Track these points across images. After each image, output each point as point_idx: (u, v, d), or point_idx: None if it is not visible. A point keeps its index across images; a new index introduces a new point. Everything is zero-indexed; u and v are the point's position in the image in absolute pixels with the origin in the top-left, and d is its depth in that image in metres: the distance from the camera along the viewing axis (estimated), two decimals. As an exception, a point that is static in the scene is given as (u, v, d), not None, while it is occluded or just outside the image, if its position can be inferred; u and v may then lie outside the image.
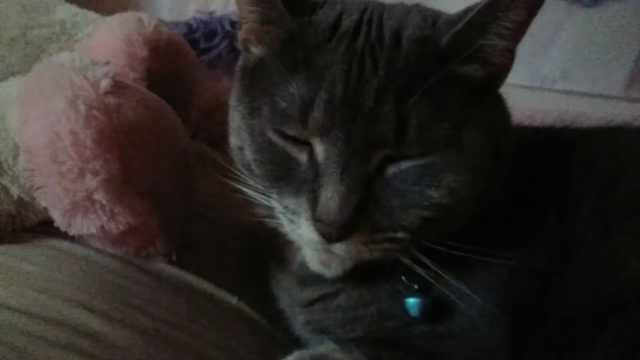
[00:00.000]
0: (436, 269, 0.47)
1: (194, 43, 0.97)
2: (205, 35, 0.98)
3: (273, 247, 0.61)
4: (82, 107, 0.48)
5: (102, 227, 0.52)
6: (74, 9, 0.85)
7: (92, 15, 0.82)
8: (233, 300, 0.61)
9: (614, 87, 1.12)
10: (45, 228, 0.57)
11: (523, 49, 1.05)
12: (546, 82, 1.16)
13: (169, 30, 0.72)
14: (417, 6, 0.53)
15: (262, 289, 0.62)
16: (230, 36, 0.98)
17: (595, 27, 1.10)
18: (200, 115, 0.91)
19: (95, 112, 0.49)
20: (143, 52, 0.67)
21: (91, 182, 0.49)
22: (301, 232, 0.47)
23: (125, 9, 0.76)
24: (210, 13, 1.01)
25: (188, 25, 0.98)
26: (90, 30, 0.76)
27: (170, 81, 0.71)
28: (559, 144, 0.56)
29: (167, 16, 1.25)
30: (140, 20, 0.70)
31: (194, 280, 0.60)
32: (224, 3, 1.14)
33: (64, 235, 0.56)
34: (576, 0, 1.09)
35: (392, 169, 0.45)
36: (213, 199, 0.68)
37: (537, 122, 0.67)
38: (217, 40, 0.98)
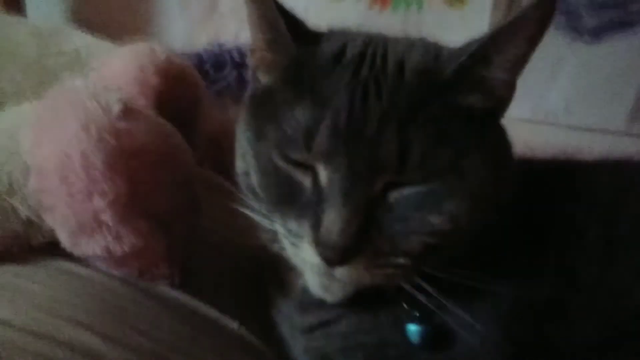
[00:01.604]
0: (438, 297, 0.47)
1: (203, 73, 1.00)
2: (214, 66, 1.01)
3: (275, 273, 0.61)
4: (94, 130, 0.50)
5: (107, 248, 0.53)
6: (89, 38, 0.88)
7: (106, 44, 0.85)
8: (234, 325, 0.61)
9: (616, 122, 1.13)
10: (51, 249, 0.58)
11: (526, 83, 1.07)
12: (549, 117, 1.17)
13: (180, 60, 0.74)
14: (421, 39, 0.55)
15: (263, 315, 0.62)
16: (239, 67, 1.00)
17: (597, 62, 1.12)
18: (207, 143, 0.93)
19: (106, 136, 0.50)
20: (154, 80, 0.69)
21: (99, 203, 0.50)
22: (303, 255, 0.48)
23: (140, 39, 0.79)
24: (220, 45, 1.04)
25: (198, 56, 1.01)
26: (104, 59, 0.79)
27: (179, 109, 0.72)
28: (562, 174, 0.57)
29: (179, 46, 1.28)
30: (152, 50, 0.72)
31: (196, 304, 0.60)
32: (235, 33, 1.17)
33: (69, 257, 0.57)
34: (577, 37, 1.11)
35: (394, 195, 0.46)
36: (217, 224, 0.69)
37: (543, 155, 0.68)
38: (226, 71, 1.01)
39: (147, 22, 1.39)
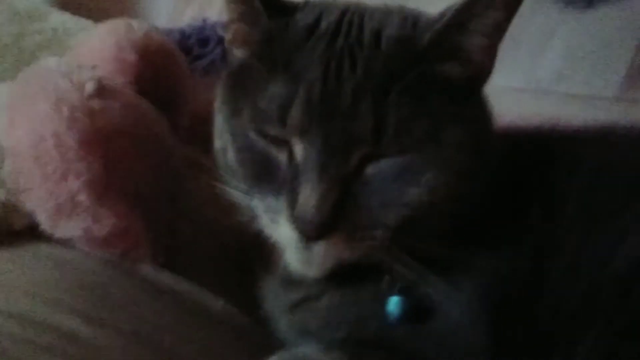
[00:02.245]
0: (418, 269, 0.46)
1: (187, 50, 0.98)
2: (198, 42, 0.99)
3: (259, 250, 0.61)
4: (65, 110, 0.49)
5: (86, 229, 0.53)
6: (67, 16, 0.86)
7: (84, 22, 0.84)
8: (218, 304, 0.61)
9: (609, 89, 1.11)
10: (31, 232, 0.58)
11: (517, 52, 1.05)
12: (541, 85, 1.15)
13: (159, 36, 0.73)
14: (400, 7, 0.53)
15: (249, 293, 0.62)
16: (224, 42, 0.98)
17: (589, 29, 1.10)
18: (194, 121, 0.91)
19: (79, 115, 0.49)
20: (132, 57, 0.68)
21: (74, 183, 0.49)
22: (282, 231, 0.47)
23: (123, 16, 0.77)
24: (205, 19, 1.02)
25: (181, 31, 0.99)
26: (82, 37, 0.77)
27: (160, 86, 0.71)
28: (545, 144, 0.56)
29: (164, 22, 1.26)
30: (130, 26, 0.71)
31: (180, 283, 0.60)
32: (221, 8, 1.15)
33: (50, 239, 0.57)
34: (569, 4, 1.09)
35: (371, 168, 0.46)
36: (200, 202, 0.69)
37: (529, 125, 0.66)
38: (210, 46, 0.99)
39: (132, 1, 1.37)
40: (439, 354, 0.49)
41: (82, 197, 0.50)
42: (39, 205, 0.53)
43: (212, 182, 0.54)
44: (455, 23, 0.46)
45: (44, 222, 0.54)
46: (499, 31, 0.47)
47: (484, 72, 0.50)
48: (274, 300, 0.59)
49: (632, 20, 1.07)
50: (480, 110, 0.51)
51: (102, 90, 0.53)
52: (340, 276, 0.51)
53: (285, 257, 0.52)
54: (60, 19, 0.87)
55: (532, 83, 1.14)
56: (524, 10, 0.48)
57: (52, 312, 0.50)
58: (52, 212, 0.52)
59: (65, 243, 0.57)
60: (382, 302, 0.50)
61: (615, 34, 1.08)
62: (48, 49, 0.79)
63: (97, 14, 0.88)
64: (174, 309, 0.57)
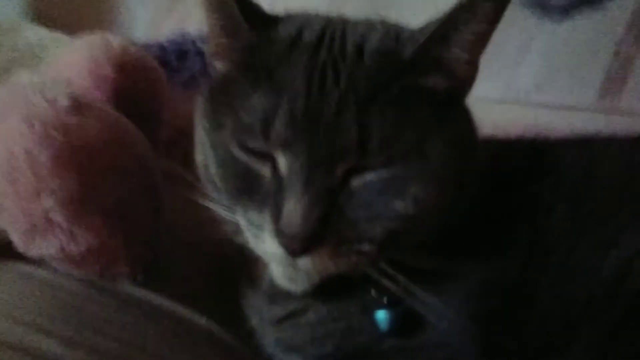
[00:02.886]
0: (405, 282, 0.46)
1: (166, 63, 0.97)
2: (177, 56, 0.98)
3: (243, 265, 0.59)
4: (37, 126, 0.47)
5: (61, 248, 0.51)
6: (42, 31, 0.85)
7: (60, 36, 0.82)
8: (202, 320, 0.59)
9: (586, 99, 1.13)
10: (6, 251, 0.56)
11: (495, 63, 1.07)
12: (519, 96, 1.16)
13: (136, 50, 0.72)
14: (382, 21, 0.53)
15: (233, 309, 0.61)
16: (203, 56, 0.97)
17: (566, 40, 1.12)
18: (174, 135, 0.90)
19: (52, 131, 0.48)
20: (109, 72, 0.66)
21: (48, 201, 0.48)
22: (266, 247, 0.46)
23: (100, 29, 0.76)
24: (184, 34, 1.01)
25: (160, 45, 0.98)
26: (58, 52, 0.76)
27: (138, 100, 0.70)
28: (529, 154, 0.56)
29: (143, 35, 1.25)
30: (106, 40, 0.69)
31: (161, 301, 0.59)
32: (200, 22, 1.14)
33: (25, 258, 0.54)
34: (545, 15, 1.10)
35: (356, 181, 0.45)
36: (183, 218, 0.67)
37: (510, 135, 0.67)
38: (189, 60, 0.98)
39: (109, 14, 1.35)
40: (428, 368, 0.48)
41: (57, 216, 0.48)
42: (12, 224, 0.51)
43: (194, 196, 0.53)
44: (437, 36, 0.46)
45: (17, 241, 0.52)
46: (481, 43, 0.47)
47: (466, 83, 0.50)
48: (259, 316, 0.58)
49: (607, 30, 1.09)
50: (463, 120, 0.51)
51: (76, 106, 0.51)
52: (326, 290, 0.50)
53: (269, 272, 0.51)
54: (36, 33, 0.86)
55: (510, 93, 1.16)
56: (501, 21, 0.48)
57: (27, 333, 0.48)
58: (26, 231, 0.50)
59: (41, 262, 0.55)
60: (370, 316, 0.49)
61: (591, 44, 1.10)
62: (23, 65, 0.77)
63: (73, 28, 0.86)
64: (155, 327, 0.56)
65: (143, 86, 0.70)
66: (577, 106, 1.13)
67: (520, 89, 1.16)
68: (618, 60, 1.09)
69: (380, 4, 1.16)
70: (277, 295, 0.54)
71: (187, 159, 0.88)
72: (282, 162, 0.45)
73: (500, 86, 1.16)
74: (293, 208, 0.43)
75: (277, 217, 0.44)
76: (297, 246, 0.43)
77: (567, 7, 1.12)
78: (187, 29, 1.09)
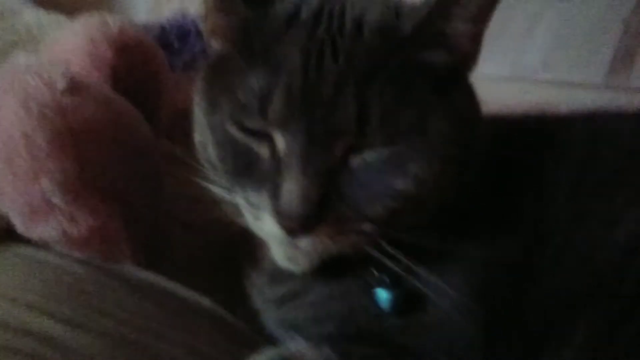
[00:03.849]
0: (406, 261, 0.45)
1: (168, 45, 0.96)
2: (178, 37, 0.97)
3: (245, 246, 0.59)
4: (34, 108, 0.47)
5: (62, 230, 0.51)
6: (41, 12, 0.84)
7: (58, 18, 0.81)
8: (204, 302, 0.59)
9: (595, 76, 1.11)
10: (9, 234, 0.56)
11: (503, 40, 1.04)
12: (528, 73, 1.14)
13: (135, 30, 0.71)
14: None
15: (236, 289, 0.61)
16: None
17: (575, 16, 1.09)
18: (176, 116, 0.90)
19: (49, 113, 0.47)
20: (107, 53, 0.66)
21: (47, 184, 0.48)
22: (265, 227, 0.46)
23: (100, 11, 0.75)
24: (184, 14, 1.00)
25: (161, 26, 0.97)
26: (56, 34, 0.75)
27: (137, 82, 0.69)
28: (534, 132, 0.55)
29: (144, 18, 1.24)
30: (104, 21, 0.68)
31: (164, 283, 0.59)
32: (201, 2, 1.13)
33: (28, 242, 0.55)
34: (553, -10, 1.08)
35: (356, 160, 0.44)
36: (185, 199, 0.67)
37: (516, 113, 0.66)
38: (191, 41, 0.97)
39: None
40: (429, 346, 0.48)
41: (56, 198, 0.48)
42: (12, 207, 0.51)
43: (194, 178, 0.52)
44: (438, 9, 0.44)
45: (19, 224, 0.52)
46: (484, 16, 0.46)
47: (469, 59, 0.48)
48: (261, 296, 0.58)
49: (616, 7, 1.06)
50: (466, 97, 0.50)
51: (74, 87, 0.51)
52: (327, 270, 0.50)
53: (270, 253, 0.51)
54: (34, 15, 0.85)
55: (518, 71, 1.14)
56: None
57: (31, 316, 0.48)
58: (26, 214, 0.50)
59: (44, 245, 0.56)
60: (371, 296, 0.49)
61: (599, 21, 1.08)
62: (22, 47, 0.76)
63: (73, 10, 0.85)
64: (158, 309, 0.56)
65: (142, 67, 0.70)
66: (585, 83, 1.11)
67: (528, 66, 1.14)
68: (627, 37, 1.07)
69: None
70: (278, 275, 0.54)
71: (188, 140, 0.88)
72: (280, 141, 0.44)
73: (509, 64, 1.14)
74: (292, 188, 0.42)
75: (276, 197, 0.43)
76: (296, 226, 0.43)
77: (575, -17, 1.09)
78: (188, 9, 1.07)
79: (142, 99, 0.66)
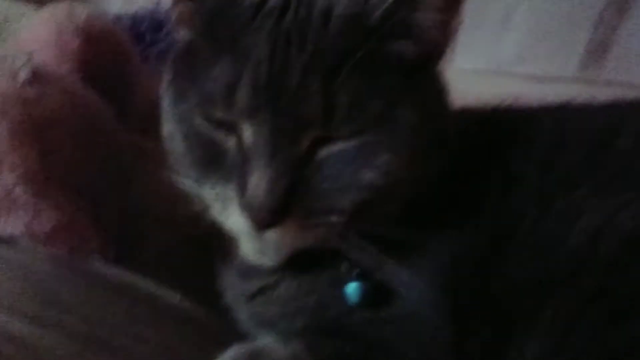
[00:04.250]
0: (374, 254, 0.45)
1: (140, 36, 0.94)
2: (151, 27, 0.95)
3: (216, 241, 0.59)
4: (-5, 99, 0.46)
5: (27, 225, 0.50)
6: (8, 3, 0.81)
7: (25, 8, 0.79)
8: (175, 298, 0.59)
9: (569, 69, 1.12)
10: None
11: (477, 34, 1.04)
12: (502, 66, 1.15)
13: (102, 20, 0.69)
14: None
15: (208, 285, 0.60)
16: (178, 27, 0.95)
17: (548, 9, 1.10)
18: (148, 108, 0.88)
19: (10, 104, 0.46)
20: (74, 43, 0.64)
21: (9, 177, 0.46)
22: (233, 220, 0.45)
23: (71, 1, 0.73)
24: (157, 3, 0.98)
25: (133, 17, 0.95)
26: (24, 24, 0.73)
27: (106, 72, 0.68)
28: (501, 123, 0.55)
29: (118, 8, 1.21)
30: (71, 11, 0.67)
31: (133, 279, 0.58)
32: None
33: (-7, 238, 0.54)
34: (528, -17, 1.09)
35: (323, 152, 0.44)
36: (153, 193, 0.66)
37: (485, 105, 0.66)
38: (164, 31, 0.95)
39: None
40: (399, 338, 0.48)
41: (19, 191, 0.47)
42: (-27, 202, 0.49)
43: (162, 171, 0.52)
44: None
45: (-18, 219, 0.51)
46: (453, 5, 0.45)
47: (438, 49, 0.48)
48: (233, 291, 0.58)
49: (589, 0, 1.08)
50: (435, 88, 0.50)
51: (37, 78, 0.50)
52: (297, 263, 0.49)
53: (239, 247, 0.51)
54: (2, 6, 0.82)
55: (493, 65, 1.15)
56: None
57: None
58: (-11, 209, 0.49)
59: (9, 241, 0.54)
60: (340, 289, 0.49)
61: (573, 14, 1.09)
62: (-13, 37, 0.74)
63: (43, 0, 0.83)
64: (128, 306, 0.55)
65: (111, 57, 0.68)
66: (560, 77, 1.13)
67: (503, 60, 1.14)
68: (600, 30, 1.08)
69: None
70: (249, 270, 0.54)
71: (159, 133, 0.87)
72: (247, 132, 0.44)
73: (483, 57, 1.15)
74: (258, 180, 0.42)
75: (242, 190, 0.43)
76: (263, 219, 0.43)
77: (549, -24, 1.10)
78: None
79: (112, 91, 0.65)
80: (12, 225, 0.51)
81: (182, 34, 0.51)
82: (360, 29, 0.44)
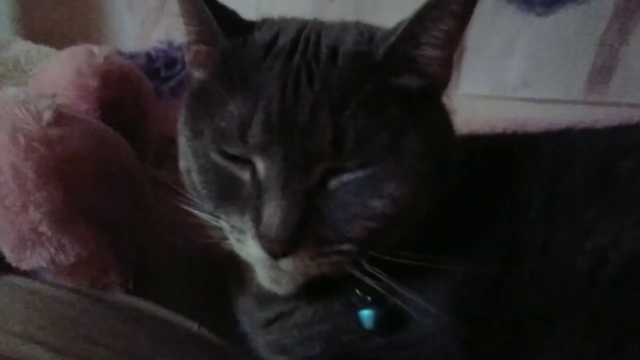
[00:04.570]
0: (387, 280, 0.46)
1: (154, 72, 0.98)
2: (165, 64, 0.99)
3: (232, 270, 0.60)
4: (22, 140, 0.48)
5: (51, 259, 0.52)
6: (29, 45, 0.85)
7: (46, 50, 0.83)
8: (194, 327, 0.60)
9: (573, 93, 1.14)
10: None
11: (482, 60, 1.06)
12: (507, 91, 1.17)
13: (120, 60, 0.72)
14: (357, 23, 0.54)
15: (225, 314, 0.61)
16: (190, 64, 0.98)
17: (551, 34, 1.12)
18: (164, 143, 0.91)
19: (36, 144, 0.48)
20: (94, 83, 0.67)
21: (35, 214, 0.48)
22: (249, 250, 0.47)
23: (90, 42, 0.76)
24: (170, 42, 1.02)
25: (148, 54, 0.99)
26: (44, 65, 0.77)
27: (124, 110, 0.71)
28: (507, 149, 0.57)
29: (132, 46, 1.26)
30: (90, 52, 0.70)
31: (153, 308, 0.60)
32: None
33: (17, 271, 0.55)
34: (529, 10, 1.11)
35: (333, 182, 0.46)
36: (172, 225, 0.68)
37: (492, 131, 0.67)
38: (177, 68, 0.99)
39: (97, 26, 1.36)
40: (414, 364, 0.49)
41: (44, 228, 0.49)
42: (1, 238, 0.52)
43: (180, 204, 0.54)
44: (407, 36, 0.46)
45: (8, 254, 0.53)
46: (451, 42, 0.47)
47: (440, 82, 0.50)
48: (249, 319, 0.59)
49: (591, 24, 1.10)
50: (439, 118, 0.51)
51: (60, 118, 0.52)
52: (311, 291, 0.51)
53: (255, 276, 0.52)
54: (23, 47, 0.87)
55: (498, 89, 1.17)
56: (485, 17, 0.48)
57: (17, 344, 0.49)
58: (16, 244, 0.51)
59: (33, 274, 0.56)
60: (354, 315, 0.50)
61: (576, 38, 1.11)
62: (10, 79, 0.78)
63: (63, 41, 0.87)
64: (147, 334, 0.56)
65: (129, 96, 0.71)
66: (564, 100, 1.14)
67: (507, 84, 1.16)
68: (603, 53, 1.10)
69: (364, 8, 1.17)
70: (265, 298, 0.55)
71: (175, 167, 0.89)
72: (261, 166, 0.46)
73: (488, 82, 1.17)
74: (272, 211, 0.44)
75: (257, 221, 0.45)
76: (278, 249, 0.44)
77: (551, 1, 1.12)
78: (173, 37, 1.09)
79: (129, 127, 0.68)
80: (36, 259, 0.53)
81: (197, 75, 0.54)
82: (366, 65, 0.47)
